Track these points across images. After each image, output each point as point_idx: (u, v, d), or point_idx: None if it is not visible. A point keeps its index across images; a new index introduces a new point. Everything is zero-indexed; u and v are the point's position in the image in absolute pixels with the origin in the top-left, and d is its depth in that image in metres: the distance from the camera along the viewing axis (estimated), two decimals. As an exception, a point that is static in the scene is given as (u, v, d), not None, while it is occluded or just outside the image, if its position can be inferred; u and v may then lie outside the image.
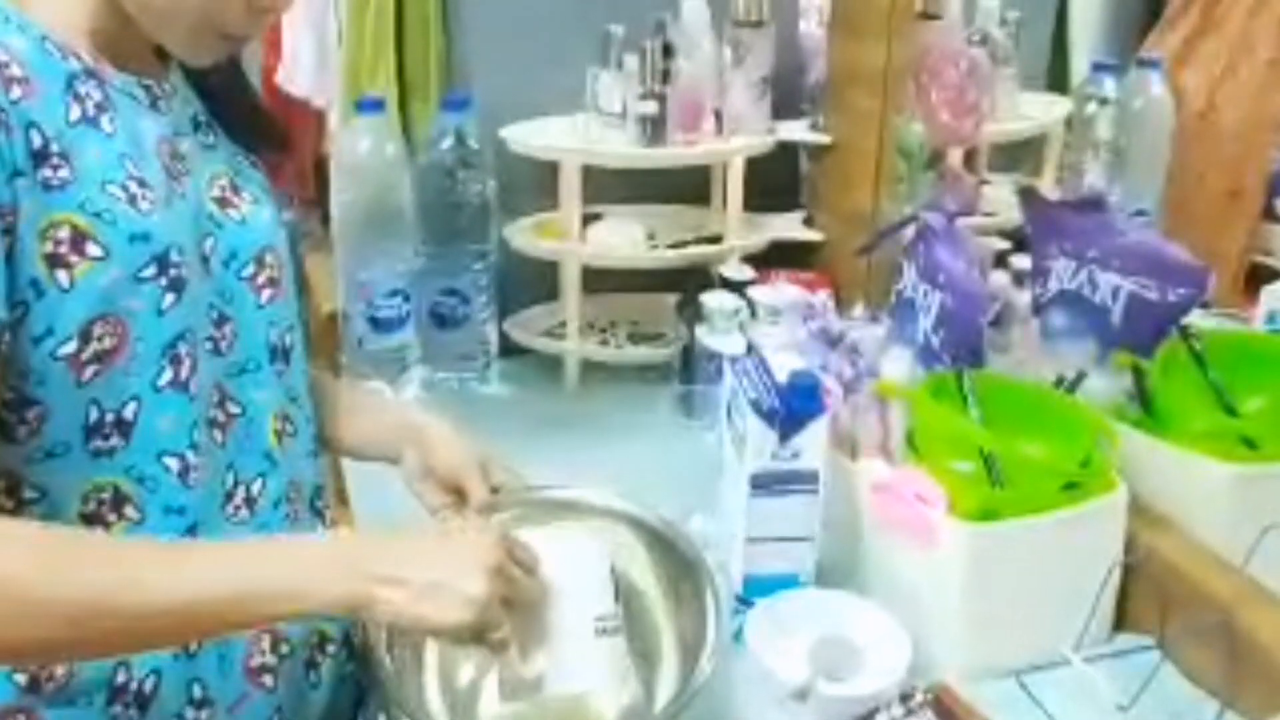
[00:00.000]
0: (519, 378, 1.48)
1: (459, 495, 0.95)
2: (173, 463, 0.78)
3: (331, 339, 1.42)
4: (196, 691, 0.81)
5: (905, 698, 0.90)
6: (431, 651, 0.90)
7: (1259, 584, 0.96)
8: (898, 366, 1.08)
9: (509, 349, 1.49)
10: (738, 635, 0.95)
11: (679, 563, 0.93)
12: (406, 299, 1.39)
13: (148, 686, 0.79)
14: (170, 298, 0.76)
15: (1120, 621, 1.04)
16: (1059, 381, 1.08)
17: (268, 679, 0.85)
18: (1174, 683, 0.97)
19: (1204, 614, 0.97)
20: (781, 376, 0.96)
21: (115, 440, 0.76)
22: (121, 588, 0.68)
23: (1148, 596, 1.02)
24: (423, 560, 0.74)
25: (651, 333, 1.51)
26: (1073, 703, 0.95)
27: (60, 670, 0.76)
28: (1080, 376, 1.07)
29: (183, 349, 0.77)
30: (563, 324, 1.47)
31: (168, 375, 0.77)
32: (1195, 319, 1.10)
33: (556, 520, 0.94)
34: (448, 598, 0.73)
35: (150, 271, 0.75)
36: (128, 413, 0.76)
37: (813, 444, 0.96)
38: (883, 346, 1.11)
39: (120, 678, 0.78)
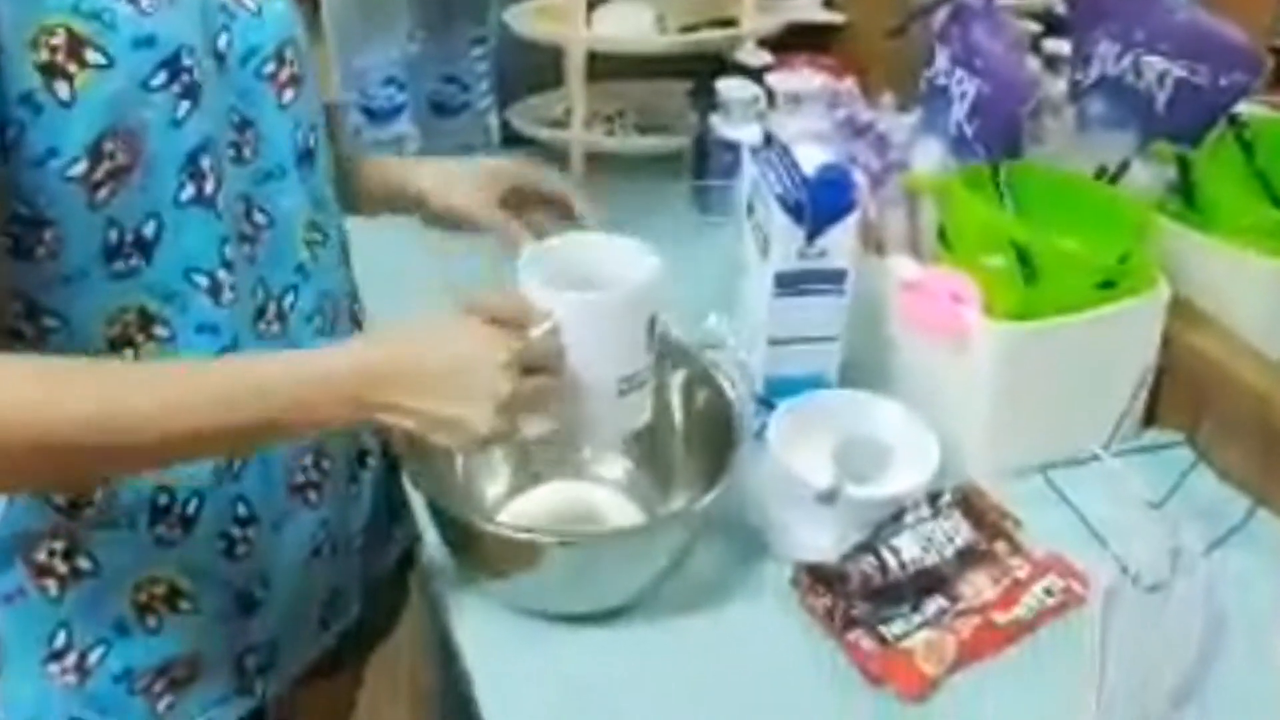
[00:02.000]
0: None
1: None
2: (202, 280, 0.73)
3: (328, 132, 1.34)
4: (241, 510, 0.79)
5: (933, 498, 0.89)
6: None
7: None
8: (928, 158, 1.02)
9: (511, 139, 1.41)
10: (759, 435, 0.93)
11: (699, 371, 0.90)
12: (402, 88, 1.31)
13: (190, 508, 0.77)
14: (185, 105, 0.69)
15: (1150, 418, 1.02)
16: (1100, 173, 1.03)
17: (312, 494, 0.84)
18: (1204, 480, 0.96)
19: (1240, 409, 0.95)
20: (809, 169, 0.91)
21: (136, 260, 0.70)
22: (115, 408, 0.65)
23: (1181, 393, 1.00)
24: (430, 391, 0.69)
25: (661, 123, 1.43)
26: (1101, 499, 0.94)
27: (99, 494, 0.74)
28: (1124, 166, 1.02)
29: (205, 162, 0.71)
30: (567, 113, 1.39)
31: (190, 191, 0.71)
32: (1241, 107, 1.04)
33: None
34: (459, 430, 0.69)
35: (160, 78, 0.68)
36: (148, 231, 0.70)
37: (842, 242, 0.91)
38: (912, 137, 1.05)
39: (162, 500, 0.75)
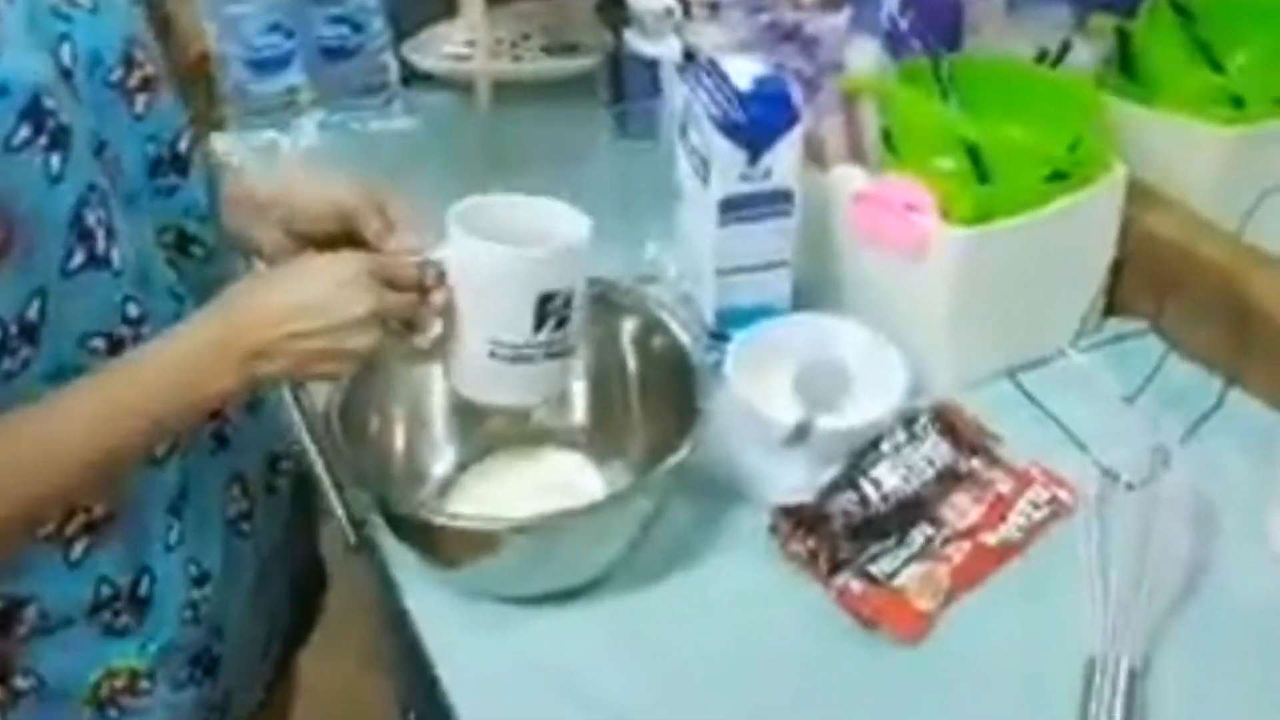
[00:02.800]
0: (427, 108, 1.32)
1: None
2: (100, 343, 0.65)
3: (206, 88, 1.24)
4: (193, 570, 0.73)
5: (909, 422, 0.84)
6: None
7: (1258, 249, 0.91)
8: (863, 59, 0.96)
9: (412, 77, 1.32)
10: (715, 373, 0.88)
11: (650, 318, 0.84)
12: (289, 34, 1.21)
13: (143, 588, 0.71)
14: (57, 158, 0.60)
15: (1111, 308, 0.99)
16: (1041, 56, 0.98)
17: (245, 525, 0.78)
18: (1175, 365, 0.93)
19: (1204, 287, 0.91)
20: (743, 84, 0.84)
21: (25, 352, 0.62)
22: (34, 460, 0.60)
23: (1142, 278, 0.96)
24: (293, 319, 0.64)
25: (571, 42, 1.34)
26: (1074, 399, 0.90)
27: (30, 608, 0.68)
28: (1066, 46, 0.97)
29: (90, 217, 0.62)
30: (469, 43, 1.30)
31: (79, 256, 0.62)
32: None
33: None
34: (338, 355, 0.66)
35: (24, 133, 0.58)
36: (32, 314, 0.61)
37: (786, 160, 0.85)
38: (844, 37, 0.98)
39: (105, 591, 0.69)
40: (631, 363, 0.86)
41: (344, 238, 0.73)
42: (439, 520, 0.74)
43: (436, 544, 0.75)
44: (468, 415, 0.85)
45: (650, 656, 0.74)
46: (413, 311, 0.68)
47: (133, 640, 0.71)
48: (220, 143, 1.22)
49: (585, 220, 0.72)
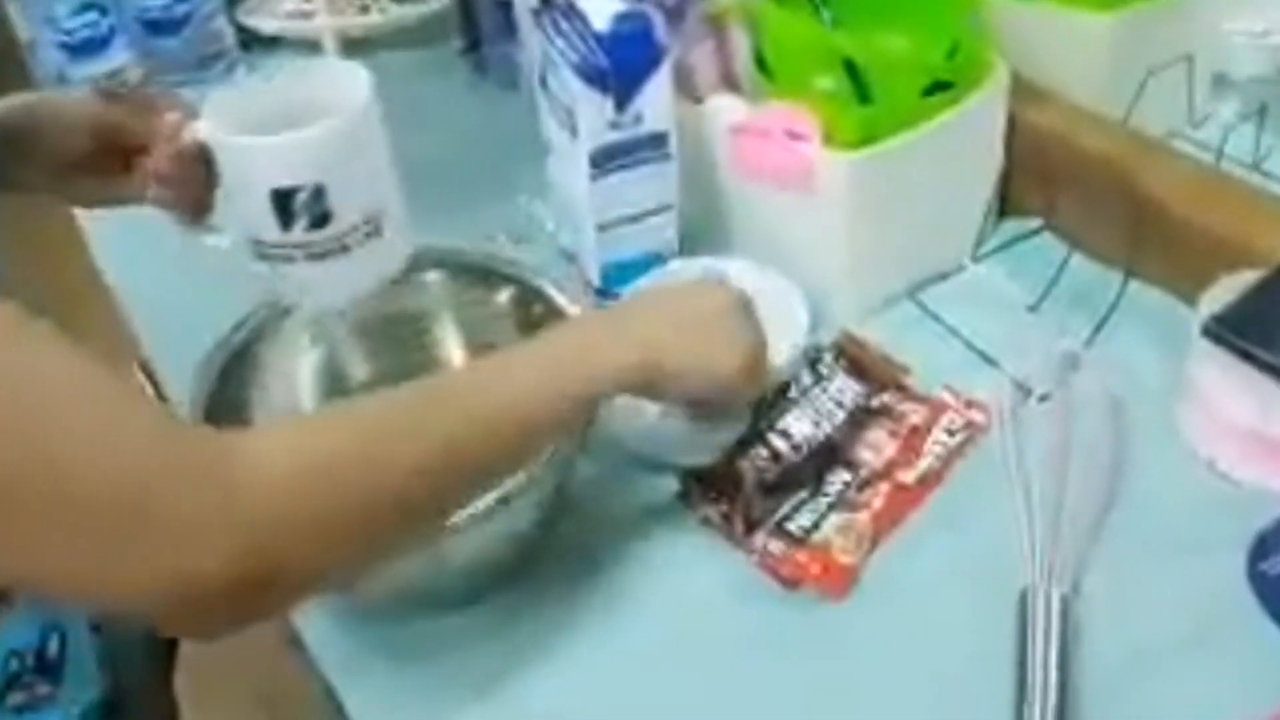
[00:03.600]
0: (274, 73, 1.23)
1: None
2: None
3: (19, 78, 1.13)
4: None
5: (813, 363, 0.81)
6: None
7: (1144, 135, 0.88)
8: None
9: (253, 40, 1.23)
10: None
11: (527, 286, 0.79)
12: (104, 11, 1.10)
13: (52, 649, 0.65)
14: None
15: (1003, 210, 0.96)
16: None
17: None
18: (1073, 264, 0.90)
19: (1095, 180, 0.89)
20: (601, 24, 0.78)
21: None
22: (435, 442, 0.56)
23: (1031, 177, 0.93)
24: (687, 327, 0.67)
25: (416, -13, 1.27)
26: (977, 311, 0.88)
27: None
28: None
29: None
30: (309, -1, 1.22)
31: None
32: None
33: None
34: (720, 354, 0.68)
35: None
36: None
37: (656, 101, 0.79)
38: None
39: (12, 665, 0.63)
40: (511, 336, 0.80)
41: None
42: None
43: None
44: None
45: (570, 648, 0.69)
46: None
47: (55, 711, 0.65)
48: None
49: (359, 97, 0.67)
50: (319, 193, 0.64)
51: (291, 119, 0.64)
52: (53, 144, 0.67)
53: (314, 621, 0.72)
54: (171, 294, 0.94)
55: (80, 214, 0.99)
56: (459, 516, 0.61)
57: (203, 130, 0.65)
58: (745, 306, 0.69)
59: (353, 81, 0.68)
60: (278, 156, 0.63)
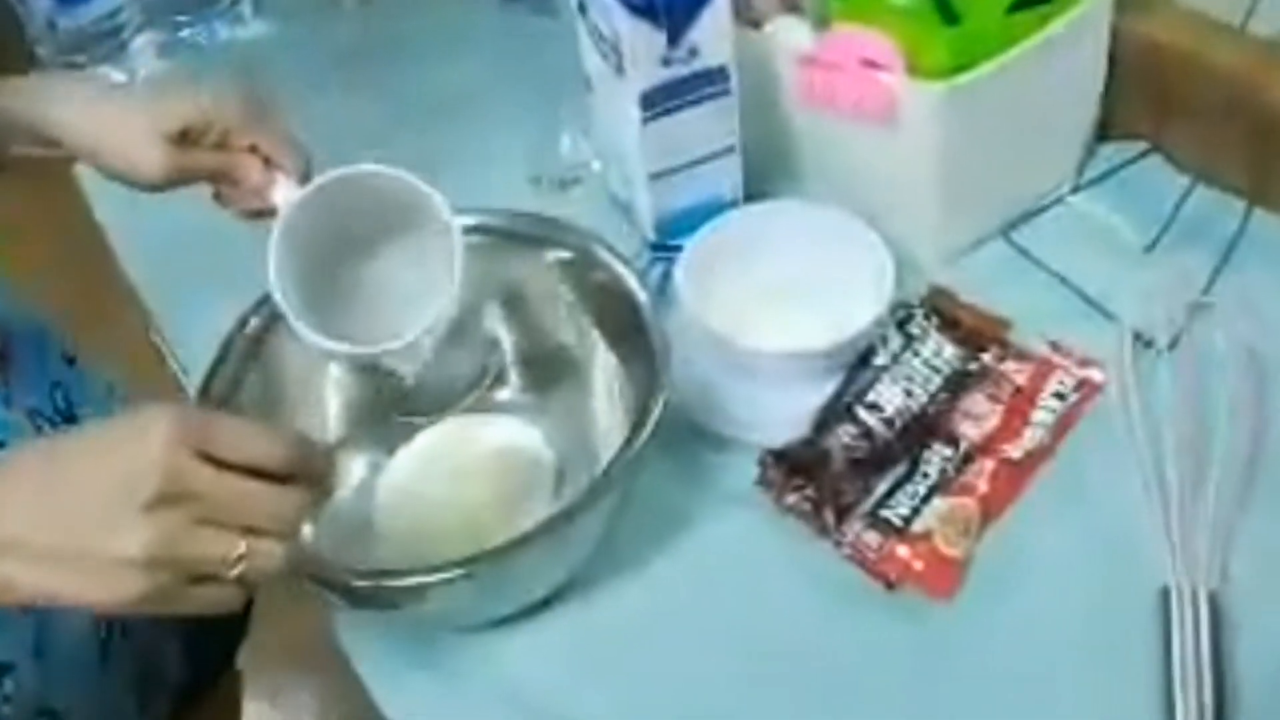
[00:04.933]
0: (281, 7, 1.13)
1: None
2: None
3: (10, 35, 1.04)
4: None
5: (902, 323, 0.72)
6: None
7: (1269, 44, 0.77)
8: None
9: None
10: (662, 292, 0.74)
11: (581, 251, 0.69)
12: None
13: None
14: None
15: (1104, 133, 0.85)
16: None
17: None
18: (1182, 192, 0.80)
19: (1213, 96, 0.78)
20: (648, -55, 0.68)
21: None
22: None
23: (1138, 95, 0.82)
24: (57, 510, 0.44)
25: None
26: (1083, 252, 0.78)
27: None
28: None
29: None
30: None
31: None
32: None
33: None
34: (91, 568, 0.44)
35: None
36: None
37: (713, 32, 0.69)
38: None
39: None
40: (564, 305, 0.71)
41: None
42: (360, 584, 0.57)
43: (367, 600, 0.61)
44: (366, 409, 0.71)
45: (635, 660, 0.62)
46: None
47: None
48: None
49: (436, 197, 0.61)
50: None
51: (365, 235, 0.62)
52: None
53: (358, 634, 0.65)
54: (186, 270, 0.86)
55: (92, 191, 0.92)
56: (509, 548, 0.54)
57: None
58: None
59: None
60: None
